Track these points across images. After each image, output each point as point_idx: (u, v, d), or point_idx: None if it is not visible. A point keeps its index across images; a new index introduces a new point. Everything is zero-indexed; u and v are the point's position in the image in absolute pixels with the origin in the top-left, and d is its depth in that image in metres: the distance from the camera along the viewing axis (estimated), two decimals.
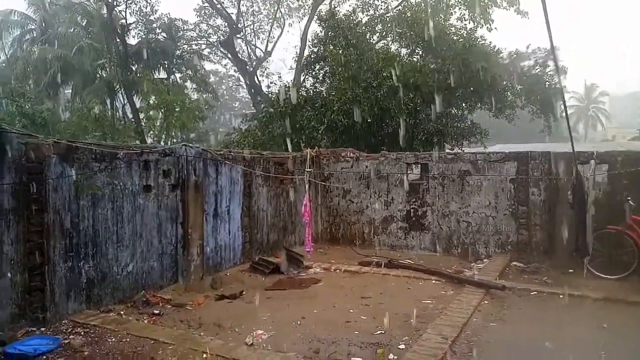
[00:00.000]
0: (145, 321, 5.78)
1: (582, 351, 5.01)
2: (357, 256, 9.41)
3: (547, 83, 18.67)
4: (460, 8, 21.74)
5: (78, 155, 5.86)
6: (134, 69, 23.97)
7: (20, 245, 5.24)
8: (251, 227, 9.04)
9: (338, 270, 8.51)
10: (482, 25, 20.61)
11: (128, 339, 5.10)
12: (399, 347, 5.05)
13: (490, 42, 17.40)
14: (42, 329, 5.30)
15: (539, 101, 18.75)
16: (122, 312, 5.99)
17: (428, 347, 4.86)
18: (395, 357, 4.75)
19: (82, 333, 5.24)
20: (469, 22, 20.56)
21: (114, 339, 5.11)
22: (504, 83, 18.03)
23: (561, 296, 6.89)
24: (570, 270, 8.25)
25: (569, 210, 8.29)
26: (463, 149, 16.79)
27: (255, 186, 9.23)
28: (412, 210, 10.20)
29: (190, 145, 7.77)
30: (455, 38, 17.33)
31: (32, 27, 27.75)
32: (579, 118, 65.89)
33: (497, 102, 17.56)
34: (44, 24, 26.93)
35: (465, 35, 17.60)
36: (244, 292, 7.09)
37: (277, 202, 9.92)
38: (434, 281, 7.74)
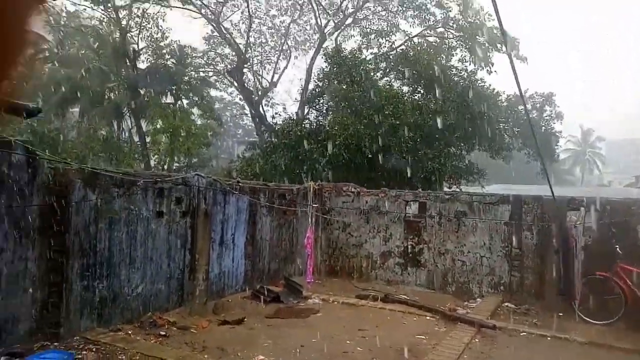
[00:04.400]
0: (152, 341, 6.03)
1: None
2: (354, 289, 9.69)
3: (543, 127, 19.36)
4: (461, 50, 22.71)
5: (99, 181, 6.23)
6: (142, 92, 24.58)
7: (42, 263, 5.56)
8: (254, 256, 9.34)
9: (336, 302, 8.78)
10: (483, 68, 21.51)
11: (137, 358, 5.36)
12: None
13: (489, 84, 18.17)
14: (56, 343, 5.55)
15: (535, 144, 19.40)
16: (130, 332, 6.24)
17: None
18: None
19: (94, 350, 5.50)
20: (470, 64, 21.36)
21: (124, 357, 5.37)
22: (502, 125, 18.74)
23: (549, 338, 7.21)
24: (560, 314, 8.55)
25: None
26: (460, 187, 17.29)
27: (259, 216, 9.58)
28: (409, 247, 10.54)
29: (202, 175, 8.17)
30: (456, 79, 18.09)
31: (45, 47, 28.50)
32: (576, 162, 66.89)
33: (495, 143, 18.20)
34: (56, 45, 27.67)
35: (465, 76, 18.36)
36: (245, 319, 7.34)
37: (280, 232, 10.25)
38: (428, 317, 8.02)
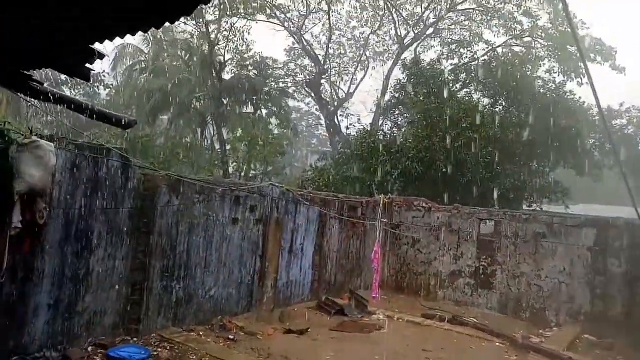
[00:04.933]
0: (221, 344, 6.36)
1: None
2: (421, 308, 9.52)
3: None
4: (549, 60, 21.50)
5: (183, 187, 6.71)
6: (225, 102, 25.92)
7: (128, 262, 6.09)
8: (321, 266, 9.50)
9: (401, 320, 8.67)
10: (573, 80, 20.18)
11: (207, 359, 5.68)
12: None
13: (579, 97, 17.01)
14: (135, 339, 6.03)
15: (630, 161, 17.91)
16: (201, 333, 6.63)
17: None
18: None
19: (168, 348, 5.91)
20: (558, 76, 20.12)
21: (194, 357, 5.71)
22: (592, 141, 17.45)
23: None
24: None
25: None
26: (542, 207, 16.31)
27: (328, 227, 9.73)
28: (481, 268, 10.15)
29: (277, 185, 8.50)
30: (542, 91, 17.13)
31: (142, 59, 31.01)
32: None
33: (583, 160, 16.97)
34: (152, 57, 29.98)
35: (553, 88, 17.35)
36: (309, 329, 7.49)
37: (347, 244, 10.32)
38: (497, 343, 7.67)
